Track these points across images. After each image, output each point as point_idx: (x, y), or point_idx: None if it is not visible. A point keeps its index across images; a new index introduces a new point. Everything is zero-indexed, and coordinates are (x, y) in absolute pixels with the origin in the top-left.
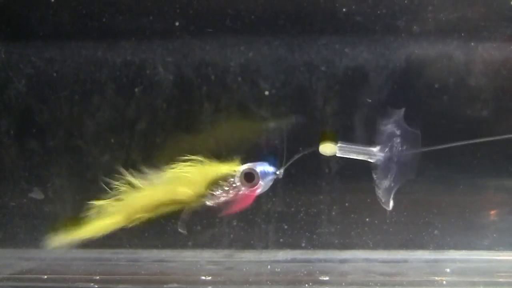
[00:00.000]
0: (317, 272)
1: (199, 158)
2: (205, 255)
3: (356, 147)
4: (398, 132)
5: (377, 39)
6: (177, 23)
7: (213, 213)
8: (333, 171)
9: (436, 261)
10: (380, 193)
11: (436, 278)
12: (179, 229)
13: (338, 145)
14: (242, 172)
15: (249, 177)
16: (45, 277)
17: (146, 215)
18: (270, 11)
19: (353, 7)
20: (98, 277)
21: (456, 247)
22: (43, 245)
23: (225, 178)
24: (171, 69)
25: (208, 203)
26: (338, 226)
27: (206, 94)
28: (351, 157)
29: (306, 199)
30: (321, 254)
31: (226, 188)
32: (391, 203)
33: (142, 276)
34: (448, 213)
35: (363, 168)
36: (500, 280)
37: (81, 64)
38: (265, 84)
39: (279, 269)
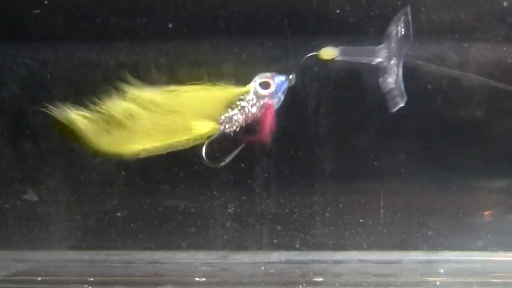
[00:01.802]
0: (311, 273)
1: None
2: (199, 257)
3: (359, 48)
4: (401, 30)
5: (371, 40)
6: (170, 25)
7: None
8: (327, 173)
9: (430, 261)
10: (390, 93)
11: (430, 278)
12: (205, 160)
13: (339, 47)
14: (257, 82)
15: (265, 86)
16: (40, 278)
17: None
18: (263, 13)
19: (347, 8)
20: (92, 279)
21: (450, 247)
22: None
23: (239, 98)
24: (164, 71)
25: (226, 128)
26: (332, 227)
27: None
28: (352, 59)
29: (300, 200)
30: (315, 255)
31: (243, 106)
32: (404, 97)
33: (136, 278)
34: (442, 214)
35: (356, 170)
36: (494, 280)
37: (74, 65)
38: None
39: (273, 270)
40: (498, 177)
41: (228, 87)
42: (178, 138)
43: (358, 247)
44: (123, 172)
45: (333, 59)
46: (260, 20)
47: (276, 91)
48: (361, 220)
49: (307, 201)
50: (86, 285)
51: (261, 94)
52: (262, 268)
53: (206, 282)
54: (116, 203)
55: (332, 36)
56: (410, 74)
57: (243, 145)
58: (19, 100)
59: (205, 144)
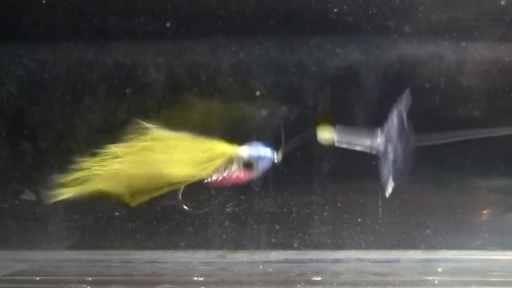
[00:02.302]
0: (310, 272)
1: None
2: (198, 256)
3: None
4: (396, 121)
5: (369, 39)
6: (168, 24)
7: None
8: (325, 172)
9: (428, 260)
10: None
11: (428, 277)
12: (184, 207)
13: (336, 129)
14: (241, 163)
15: (248, 166)
16: (38, 278)
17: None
18: (261, 12)
19: (344, 7)
20: (90, 278)
21: (448, 246)
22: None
23: (225, 160)
24: (162, 70)
25: (203, 178)
26: (330, 227)
27: (198, 94)
28: (350, 144)
29: (298, 199)
30: (313, 254)
31: (224, 169)
32: (390, 189)
33: (134, 277)
34: (440, 213)
35: (355, 169)
36: (492, 279)
37: (72, 65)
38: (257, 85)
39: (271, 270)
40: (497, 176)
41: (221, 144)
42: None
43: (357, 246)
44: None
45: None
46: (258, 19)
47: (259, 169)
48: (359, 219)
49: (305, 200)
50: (84, 285)
51: (243, 170)
52: (261, 267)
53: (204, 281)
54: (114, 203)
55: (330, 36)
56: (408, 73)
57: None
58: (17, 100)
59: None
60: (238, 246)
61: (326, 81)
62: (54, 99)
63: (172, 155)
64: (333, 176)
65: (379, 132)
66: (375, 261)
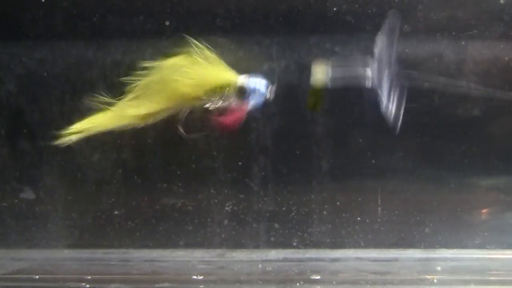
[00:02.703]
0: (309, 271)
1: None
2: (197, 255)
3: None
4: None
5: (368, 38)
6: (167, 23)
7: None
8: (324, 171)
9: (427, 259)
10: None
11: (427, 276)
12: (180, 130)
13: (330, 64)
14: (237, 88)
15: (242, 93)
16: (37, 277)
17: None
18: (260, 11)
19: (344, 6)
20: (89, 277)
21: (447, 245)
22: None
23: (222, 86)
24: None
25: (205, 105)
26: (330, 225)
27: None
28: (345, 75)
29: (298, 198)
30: (312, 253)
31: (224, 95)
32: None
33: (133, 276)
34: (439, 212)
35: (354, 168)
36: (491, 278)
37: (71, 64)
38: None
39: (270, 268)
40: (495, 175)
41: (225, 70)
42: (169, 102)
43: (356, 245)
44: (120, 170)
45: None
46: (257, 18)
47: (252, 96)
48: (358, 218)
49: (304, 199)
50: (83, 283)
51: (239, 97)
52: (260, 266)
53: (203, 280)
54: (114, 201)
55: (329, 34)
56: (407, 71)
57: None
58: (16, 98)
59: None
60: (237, 244)
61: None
62: (53, 98)
63: (183, 78)
64: (332, 175)
65: (370, 62)
66: (374, 260)
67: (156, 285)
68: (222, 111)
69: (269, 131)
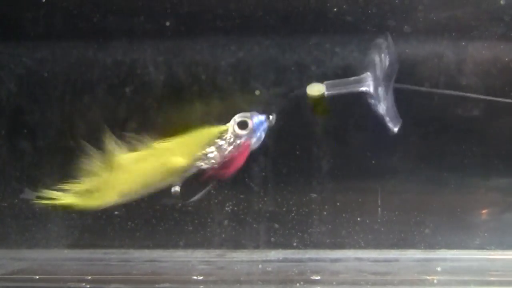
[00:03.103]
0: (309, 271)
1: (188, 127)
2: (197, 255)
3: (344, 79)
4: (384, 57)
5: (368, 39)
6: (167, 23)
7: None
8: (324, 171)
9: (427, 260)
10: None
11: (427, 277)
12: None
13: (325, 82)
14: (235, 121)
15: (243, 125)
16: (37, 277)
17: (140, 190)
18: (260, 11)
19: (344, 7)
20: (89, 277)
21: (447, 246)
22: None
23: (217, 137)
24: (162, 69)
25: (202, 165)
26: (330, 226)
27: (197, 93)
28: (341, 91)
29: (298, 198)
30: (312, 254)
31: (220, 144)
32: (398, 121)
33: (133, 276)
34: (439, 213)
35: (354, 168)
36: (491, 279)
37: (72, 64)
38: (256, 84)
39: (270, 269)
40: (495, 175)
41: (209, 126)
42: (156, 177)
43: (356, 246)
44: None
45: (322, 95)
46: (257, 18)
47: (254, 131)
48: (358, 219)
49: (304, 199)
50: (83, 284)
51: (238, 133)
52: (260, 266)
53: (203, 280)
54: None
55: (329, 35)
56: (408, 72)
57: (209, 186)
58: (16, 98)
59: (181, 182)
60: (237, 245)
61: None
62: (54, 98)
63: (168, 155)
64: (332, 176)
65: (367, 76)
66: (374, 261)
67: (156, 286)
68: (219, 164)
69: (269, 131)
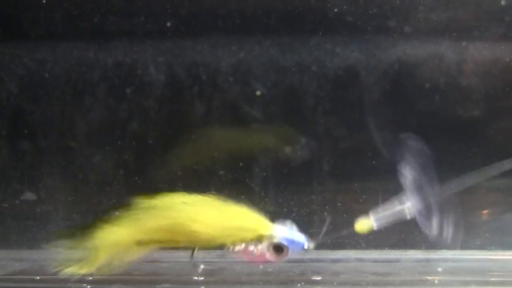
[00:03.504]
0: (310, 271)
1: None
2: (198, 256)
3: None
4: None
5: (369, 39)
6: (168, 24)
7: None
8: (325, 171)
9: (428, 260)
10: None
11: (428, 277)
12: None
13: (372, 215)
14: (271, 245)
15: (278, 249)
16: (38, 278)
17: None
18: (261, 12)
19: (345, 7)
20: (90, 278)
21: (448, 246)
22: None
23: (253, 239)
24: (162, 70)
25: (223, 250)
26: (330, 226)
27: (198, 94)
28: (388, 222)
29: (298, 199)
30: (313, 254)
31: (250, 249)
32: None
33: (134, 277)
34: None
35: (355, 169)
36: (492, 279)
37: (72, 64)
38: (257, 84)
39: (271, 269)
40: (496, 176)
41: (257, 218)
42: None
43: (357, 246)
44: (121, 171)
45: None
46: (257, 19)
47: (287, 255)
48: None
49: (305, 200)
50: (84, 284)
51: (271, 258)
52: (261, 266)
53: (204, 281)
54: (114, 202)
55: (330, 35)
56: (408, 73)
57: None
58: (17, 99)
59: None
60: None
61: (326, 80)
62: (54, 99)
63: (199, 216)
64: (333, 176)
65: (405, 198)
66: (375, 261)
67: (157, 286)
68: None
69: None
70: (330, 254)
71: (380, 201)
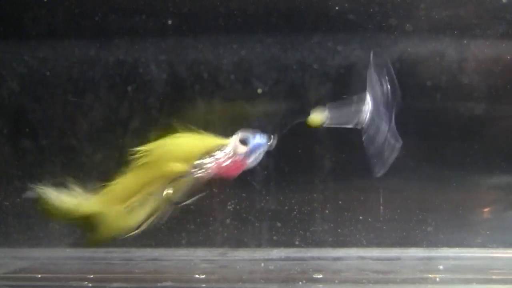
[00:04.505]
0: (311, 269)
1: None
2: (199, 254)
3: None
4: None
5: (370, 37)
6: (170, 22)
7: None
8: (326, 169)
9: (429, 258)
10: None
11: (430, 275)
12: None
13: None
14: (237, 137)
15: (244, 143)
16: (39, 276)
17: (137, 195)
18: (262, 10)
19: (346, 5)
20: (91, 276)
21: (449, 244)
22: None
23: (217, 148)
24: (164, 68)
25: (198, 173)
26: (332, 224)
27: (199, 92)
28: (341, 115)
29: (300, 197)
30: (314, 252)
31: (219, 156)
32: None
33: (136, 275)
34: (441, 211)
35: (356, 166)
36: (493, 277)
37: (74, 63)
38: (258, 83)
39: (272, 267)
40: (497, 174)
41: (211, 136)
42: (154, 181)
43: (358, 244)
44: (123, 169)
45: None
46: (259, 17)
47: (252, 151)
48: (360, 217)
49: (306, 198)
50: (85, 282)
51: (238, 150)
52: (262, 265)
53: (205, 279)
54: None
55: (331, 33)
56: (409, 71)
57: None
58: (19, 97)
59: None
60: (239, 243)
61: (327, 78)
62: (56, 97)
63: (171, 155)
64: (334, 174)
65: (364, 107)
66: (376, 259)
67: (159, 284)
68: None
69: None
70: (332, 252)
71: (380, 201)
